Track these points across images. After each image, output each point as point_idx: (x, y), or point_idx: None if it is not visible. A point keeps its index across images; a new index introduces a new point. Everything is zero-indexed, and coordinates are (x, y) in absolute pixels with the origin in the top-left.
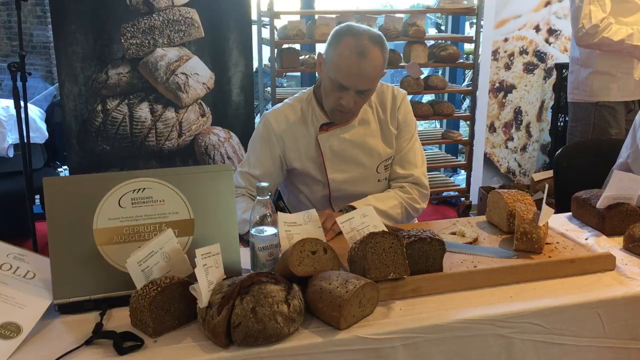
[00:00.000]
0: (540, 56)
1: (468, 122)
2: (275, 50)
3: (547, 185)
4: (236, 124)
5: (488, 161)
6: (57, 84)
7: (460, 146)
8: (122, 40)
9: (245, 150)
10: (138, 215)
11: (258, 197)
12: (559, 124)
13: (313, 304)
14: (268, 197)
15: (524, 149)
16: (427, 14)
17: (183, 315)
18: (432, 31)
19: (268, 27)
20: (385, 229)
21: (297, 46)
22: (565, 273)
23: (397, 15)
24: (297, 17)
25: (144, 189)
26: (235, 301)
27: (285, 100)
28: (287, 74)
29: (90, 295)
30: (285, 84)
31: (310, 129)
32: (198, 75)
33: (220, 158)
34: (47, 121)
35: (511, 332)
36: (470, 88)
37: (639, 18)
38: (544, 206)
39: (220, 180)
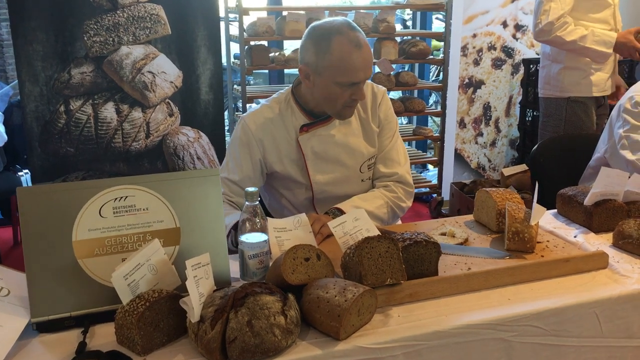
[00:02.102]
0: (508, 52)
1: (436, 118)
2: (245, 47)
3: (537, 184)
4: (206, 123)
5: (458, 157)
6: (13, 83)
7: (429, 142)
8: (85, 38)
9: (216, 150)
10: (120, 225)
11: (247, 203)
12: (527, 119)
13: (309, 314)
14: (257, 202)
15: (493, 144)
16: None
17: (173, 330)
18: (397, 27)
19: (234, 23)
20: (379, 233)
21: (265, 43)
22: (559, 272)
23: (367, 11)
24: (264, 14)
25: (126, 196)
26: (230, 314)
27: (262, 102)
28: (254, 71)
29: (70, 312)
30: (252, 82)
31: (290, 131)
32: (165, 73)
33: (190, 159)
34: (5, 123)
35: (511, 336)
36: (440, 84)
37: (608, 14)
38: (536, 205)
39: (206, 186)
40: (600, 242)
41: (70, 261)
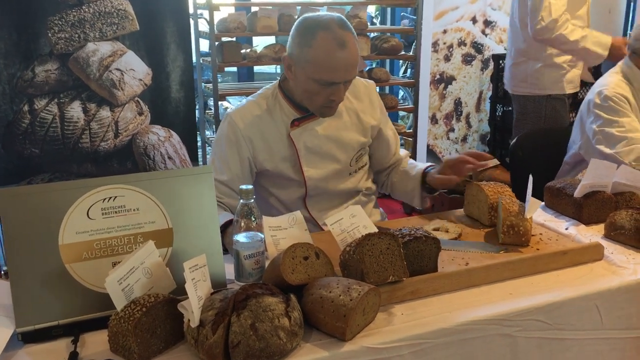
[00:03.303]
0: (478, 47)
1: (408, 114)
2: (215, 44)
3: (530, 177)
4: (176, 121)
5: (431, 152)
6: None
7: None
8: (50, 35)
9: (188, 149)
10: (110, 227)
11: (242, 201)
12: (497, 114)
13: (312, 315)
14: (252, 200)
15: (464, 139)
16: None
17: (170, 336)
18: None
19: (202, 19)
20: (376, 229)
21: (233, 39)
22: (557, 265)
23: (339, 7)
24: (234, 9)
25: (115, 197)
26: (231, 317)
27: (248, 98)
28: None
29: (58, 320)
30: (219, 80)
31: (279, 126)
32: (134, 71)
33: (161, 158)
34: None
35: (516, 331)
36: (412, 80)
37: (584, 12)
38: (531, 198)
39: (199, 184)
40: (592, 234)
41: (57, 266)
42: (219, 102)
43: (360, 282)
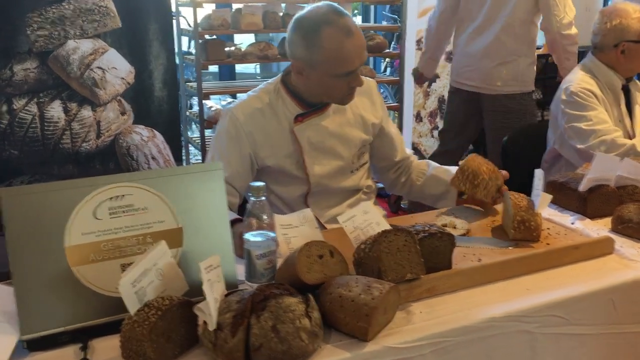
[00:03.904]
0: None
1: (391, 112)
2: (199, 41)
3: (540, 171)
4: (160, 121)
5: (415, 150)
6: None
7: None
8: (28, 32)
9: (172, 149)
10: (117, 227)
11: (252, 199)
12: None
13: (331, 315)
14: (264, 197)
15: None
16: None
17: (185, 341)
18: None
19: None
20: (389, 226)
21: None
22: (570, 260)
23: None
24: (215, 6)
25: (123, 195)
26: (251, 319)
27: (249, 93)
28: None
29: (65, 326)
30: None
31: (282, 122)
32: (116, 69)
33: (144, 159)
34: None
35: (534, 327)
36: (397, 78)
37: None
38: (542, 192)
39: (209, 181)
40: (599, 228)
41: (62, 270)
42: (203, 101)
43: (380, 281)
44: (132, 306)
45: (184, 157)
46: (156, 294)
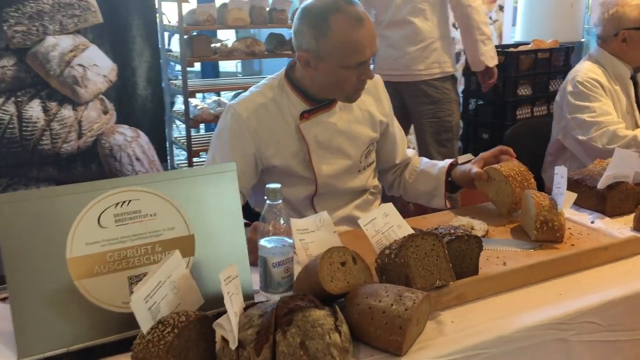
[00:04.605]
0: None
1: None
2: (183, 37)
3: (563, 167)
4: (144, 120)
5: None
6: None
7: None
8: (5, 28)
9: (157, 149)
10: (124, 235)
11: (268, 202)
12: (470, 108)
13: (360, 328)
14: (280, 200)
15: None
16: None
17: None
18: None
19: (166, 12)
20: (410, 228)
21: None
22: (599, 262)
23: None
24: (199, 1)
25: (130, 201)
26: (276, 336)
27: (251, 89)
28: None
29: (68, 347)
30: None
31: (288, 119)
32: (97, 66)
33: (128, 160)
34: None
35: (571, 335)
36: None
37: None
38: (566, 191)
39: (221, 184)
40: (620, 227)
41: (64, 284)
42: (189, 99)
43: (412, 289)
44: (145, 324)
45: (168, 158)
46: (170, 309)
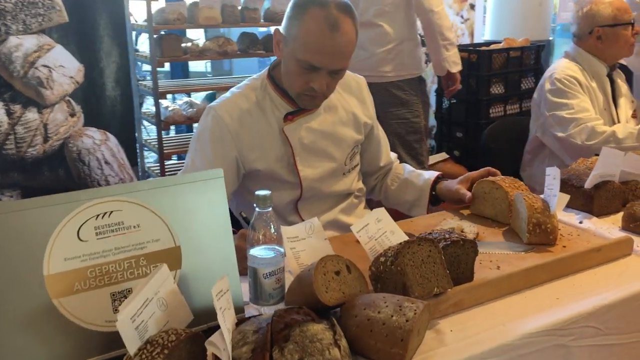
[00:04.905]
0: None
1: None
2: (153, 37)
3: (556, 169)
4: (113, 123)
5: None
6: None
7: None
8: None
9: (126, 152)
10: (106, 249)
11: (258, 209)
12: (443, 106)
13: (359, 341)
14: (270, 208)
15: None
16: None
17: None
18: None
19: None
20: (404, 234)
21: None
22: (592, 263)
23: None
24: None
25: (111, 212)
26: (273, 353)
27: (232, 89)
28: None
29: None
30: (148, 77)
31: (271, 121)
32: (63, 67)
33: (97, 164)
34: None
35: (570, 340)
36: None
37: None
38: (559, 193)
39: (209, 191)
40: (609, 227)
41: (42, 303)
42: (160, 101)
43: (411, 299)
44: (132, 345)
45: (139, 161)
46: (158, 327)
